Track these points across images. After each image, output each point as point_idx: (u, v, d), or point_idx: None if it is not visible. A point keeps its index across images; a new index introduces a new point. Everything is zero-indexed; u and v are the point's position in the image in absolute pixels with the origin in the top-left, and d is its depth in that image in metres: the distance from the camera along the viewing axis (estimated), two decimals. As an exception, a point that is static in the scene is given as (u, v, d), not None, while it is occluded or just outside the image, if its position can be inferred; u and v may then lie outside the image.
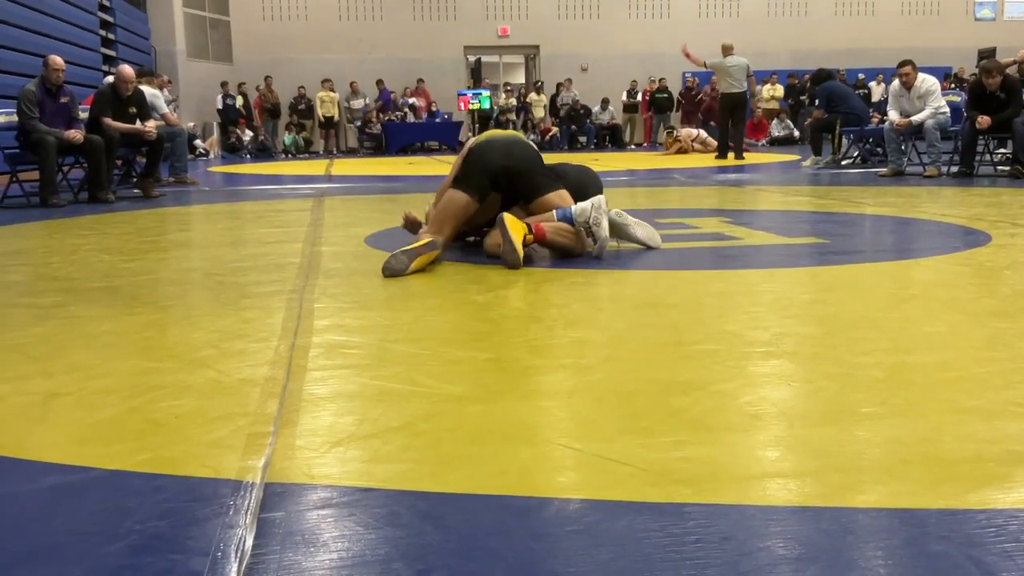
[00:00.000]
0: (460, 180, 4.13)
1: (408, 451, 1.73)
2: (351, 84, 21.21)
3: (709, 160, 13.71)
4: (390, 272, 3.67)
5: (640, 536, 1.35)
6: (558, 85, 21.98)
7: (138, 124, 8.65)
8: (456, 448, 1.74)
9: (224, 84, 20.16)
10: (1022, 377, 2.14)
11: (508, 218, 3.86)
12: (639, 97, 22.01)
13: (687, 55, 13.37)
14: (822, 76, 12.16)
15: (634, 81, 21.99)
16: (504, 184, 4.16)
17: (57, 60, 7.96)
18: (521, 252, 3.81)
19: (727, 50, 13.52)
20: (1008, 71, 10.55)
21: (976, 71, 12.59)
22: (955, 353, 2.40)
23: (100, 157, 7.99)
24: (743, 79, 13.39)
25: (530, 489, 1.55)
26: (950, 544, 1.31)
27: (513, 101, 21.87)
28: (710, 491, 1.51)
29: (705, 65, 13.39)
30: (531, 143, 4.39)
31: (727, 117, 13.68)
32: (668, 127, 18.72)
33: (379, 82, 21.11)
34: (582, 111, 21.42)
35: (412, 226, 4.45)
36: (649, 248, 4.34)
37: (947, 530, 1.36)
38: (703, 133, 16.75)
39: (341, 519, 1.44)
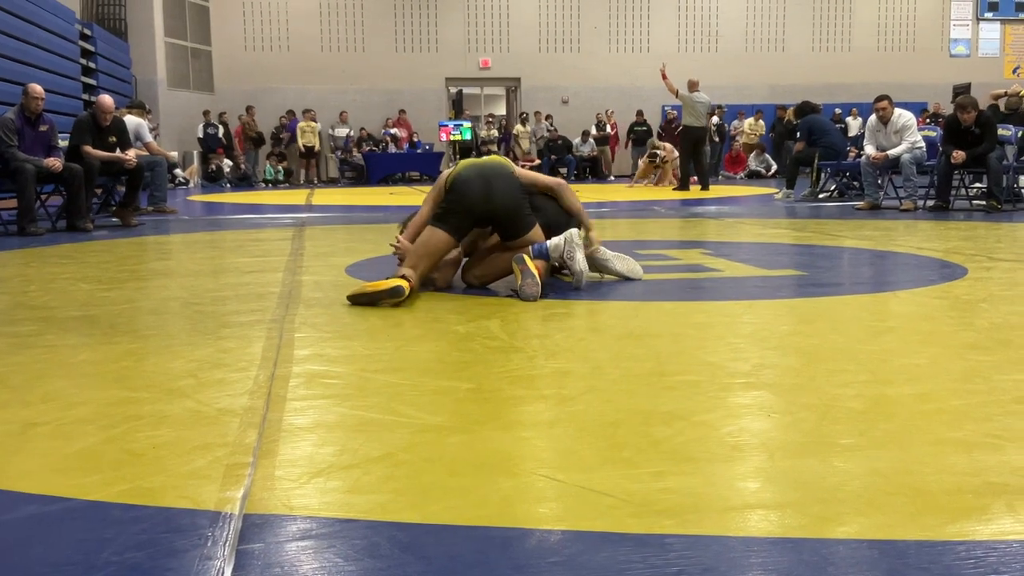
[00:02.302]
0: (441, 219, 4.04)
1: (388, 482, 1.72)
2: (341, 114, 21.27)
3: (672, 193, 13.77)
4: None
5: (622, 567, 1.34)
6: (536, 114, 22.12)
7: (118, 153, 8.62)
8: (437, 479, 1.73)
9: (206, 113, 20.16)
10: (1000, 410, 2.16)
11: (527, 258, 3.89)
12: (608, 129, 22.16)
13: (664, 76, 13.56)
14: (805, 109, 12.32)
15: (598, 114, 22.16)
16: (486, 223, 4.17)
17: (37, 88, 7.94)
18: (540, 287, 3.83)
19: (693, 86, 13.80)
20: (997, 102, 10.72)
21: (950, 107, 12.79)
22: (934, 385, 2.42)
23: (79, 185, 7.95)
24: (704, 115, 13.72)
25: (511, 520, 1.54)
26: (930, 576, 1.31)
27: (495, 132, 21.98)
28: (691, 522, 1.51)
29: (676, 94, 13.59)
30: (512, 174, 4.21)
31: (688, 150, 13.91)
32: (649, 151, 18.15)
33: (290, 112, 21.08)
34: (561, 143, 21.55)
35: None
36: (630, 280, 4.36)
37: (926, 562, 1.36)
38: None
39: (320, 551, 1.43)
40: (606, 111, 22.17)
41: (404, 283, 3.74)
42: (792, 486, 1.68)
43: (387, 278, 3.80)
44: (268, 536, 1.48)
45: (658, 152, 16.50)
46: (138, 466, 1.82)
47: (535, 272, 3.83)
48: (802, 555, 1.39)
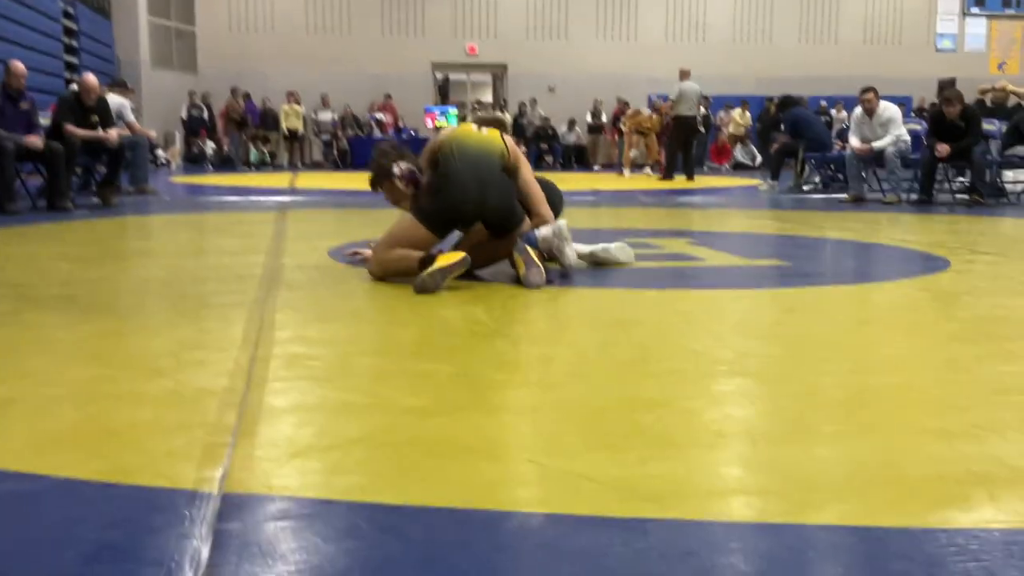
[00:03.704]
0: (429, 218, 3.91)
1: (368, 463, 1.71)
2: (322, 97, 21.17)
3: (658, 182, 13.76)
4: (423, 290, 3.55)
5: (603, 551, 1.34)
6: (520, 105, 22.04)
7: (100, 132, 8.54)
8: (417, 461, 1.72)
9: (192, 94, 20.01)
10: (982, 400, 2.16)
11: (530, 248, 3.86)
12: (603, 118, 22.13)
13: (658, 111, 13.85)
14: (788, 103, 12.40)
15: (596, 101, 22.13)
16: (476, 222, 4.08)
17: (18, 66, 7.85)
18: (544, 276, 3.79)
19: (684, 75, 13.79)
20: (984, 97, 10.76)
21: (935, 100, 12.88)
22: (916, 375, 2.43)
23: (60, 164, 7.87)
24: (695, 104, 13.74)
25: (492, 503, 1.53)
26: (911, 563, 1.31)
27: (481, 118, 21.89)
28: (674, 507, 1.50)
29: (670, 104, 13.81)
30: (503, 172, 4.04)
31: (680, 140, 13.90)
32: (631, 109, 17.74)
33: (245, 95, 20.76)
34: (550, 131, 21.51)
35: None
36: (621, 263, 4.36)
37: (908, 549, 1.36)
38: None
39: (299, 531, 1.41)
40: (600, 101, 22.08)
41: (460, 253, 3.69)
42: (774, 473, 1.68)
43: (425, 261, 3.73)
44: (247, 516, 1.46)
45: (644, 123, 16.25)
46: (115, 444, 1.80)
47: (539, 262, 3.81)
48: (783, 540, 1.39)
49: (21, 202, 7.85)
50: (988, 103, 10.95)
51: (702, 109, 18.26)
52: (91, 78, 8.69)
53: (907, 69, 23.31)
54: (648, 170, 16.32)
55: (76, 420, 1.96)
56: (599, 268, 4.35)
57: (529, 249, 3.85)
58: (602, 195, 10.94)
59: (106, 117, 8.74)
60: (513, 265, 3.90)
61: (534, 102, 21.96)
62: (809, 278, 4.30)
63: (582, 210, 8.21)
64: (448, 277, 3.63)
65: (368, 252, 4.20)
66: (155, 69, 20.09)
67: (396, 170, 4.03)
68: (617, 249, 4.41)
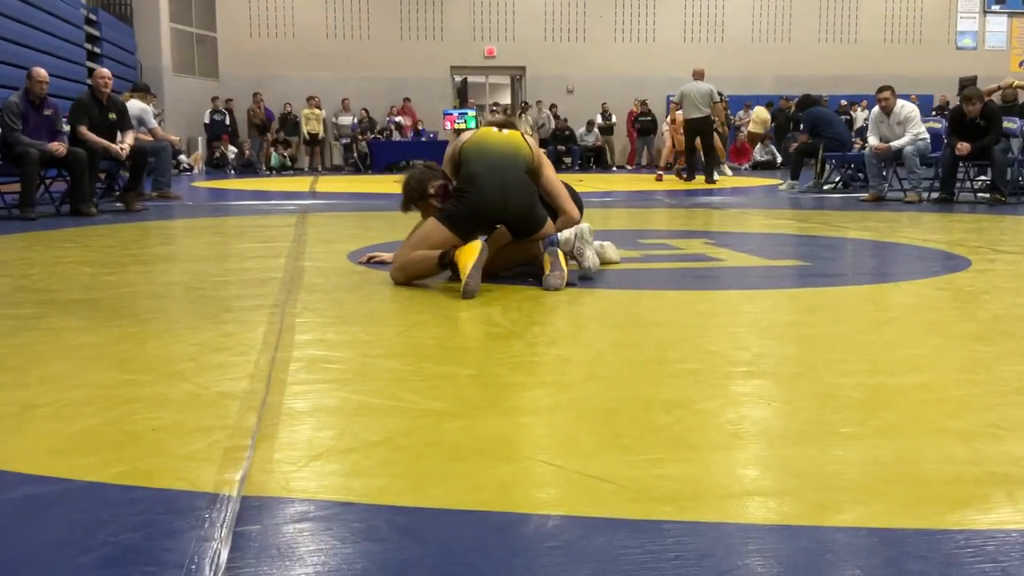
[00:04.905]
0: (452, 219, 3.92)
1: (387, 466, 1.72)
2: (342, 101, 21.25)
3: (679, 184, 13.68)
4: (470, 295, 3.56)
5: (619, 553, 1.34)
6: (528, 105, 22.02)
7: (118, 137, 8.59)
8: (436, 463, 1.73)
9: (214, 99, 20.14)
10: (1001, 400, 2.15)
11: (561, 252, 3.90)
12: (613, 119, 22.10)
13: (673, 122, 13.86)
14: (807, 102, 12.34)
15: (605, 104, 22.10)
16: (497, 224, 4.08)
17: (41, 72, 7.92)
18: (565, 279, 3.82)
19: (697, 75, 13.58)
20: (992, 97, 10.67)
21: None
22: (935, 375, 2.41)
23: (83, 170, 7.94)
24: (702, 105, 13.31)
25: (510, 505, 1.54)
26: (928, 564, 1.31)
27: (500, 121, 21.90)
28: (690, 508, 1.51)
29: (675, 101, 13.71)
30: (525, 176, 4.10)
31: (692, 142, 13.68)
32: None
33: (255, 95, 20.69)
34: (567, 133, 21.51)
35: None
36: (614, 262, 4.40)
37: (925, 550, 1.36)
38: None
39: (318, 533, 1.42)
40: (636, 100, 21.99)
41: (477, 242, 3.73)
42: (791, 474, 1.68)
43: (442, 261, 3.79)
44: (266, 518, 1.48)
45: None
46: (136, 448, 1.82)
47: (564, 267, 3.84)
48: (800, 542, 1.39)
49: (45, 208, 7.93)
50: (999, 103, 10.85)
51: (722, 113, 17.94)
52: (104, 69, 8.79)
53: (927, 68, 23.18)
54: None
55: (98, 424, 1.98)
56: (615, 270, 4.35)
57: (558, 252, 3.88)
58: (621, 196, 10.93)
59: (124, 119, 8.78)
60: (541, 268, 3.92)
61: (539, 104, 21.98)
62: (829, 278, 4.29)
63: (602, 211, 8.21)
64: (481, 269, 3.64)
65: (386, 256, 4.25)
66: (177, 75, 20.24)
67: (431, 189, 4.12)
68: (610, 248, 4.46)
